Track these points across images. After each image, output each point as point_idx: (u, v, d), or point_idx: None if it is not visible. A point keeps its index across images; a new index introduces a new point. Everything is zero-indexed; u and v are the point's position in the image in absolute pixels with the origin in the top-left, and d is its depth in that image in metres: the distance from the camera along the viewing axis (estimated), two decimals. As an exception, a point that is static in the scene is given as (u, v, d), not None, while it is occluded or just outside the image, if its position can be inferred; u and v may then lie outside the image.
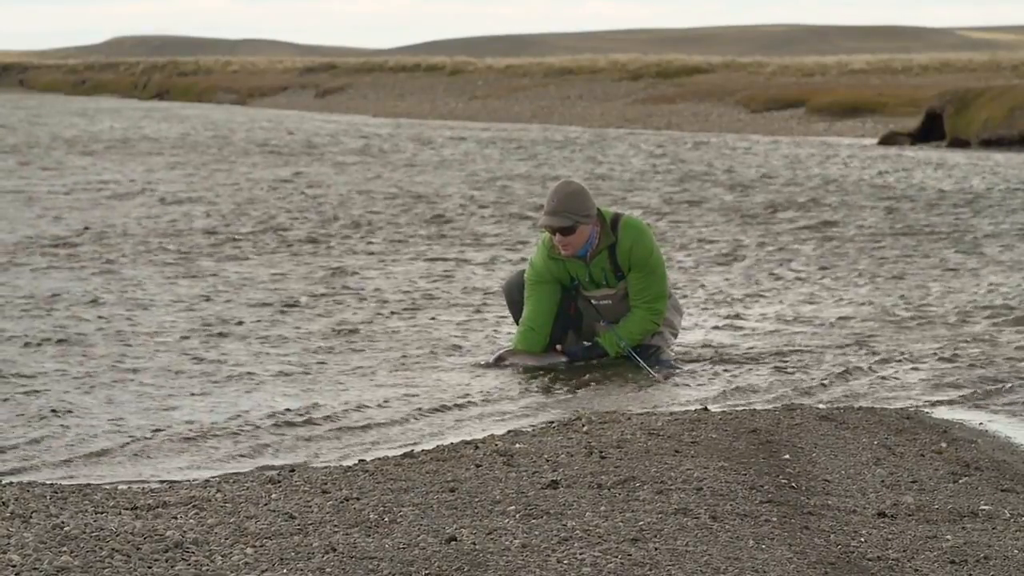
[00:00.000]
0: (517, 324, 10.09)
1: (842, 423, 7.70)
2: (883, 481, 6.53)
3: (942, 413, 8.45)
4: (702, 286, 13.63)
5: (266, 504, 5.99)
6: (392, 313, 11.94)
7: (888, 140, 41.62)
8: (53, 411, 8.22)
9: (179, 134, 44.45)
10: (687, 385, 9.29)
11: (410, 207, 21.39)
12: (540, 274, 9.80)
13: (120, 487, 6.54)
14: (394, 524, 5.63)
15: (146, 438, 7.65)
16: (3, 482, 6.54)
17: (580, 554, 5.21)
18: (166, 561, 5.15)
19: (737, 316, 11.93)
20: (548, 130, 49.59)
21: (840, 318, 11.84)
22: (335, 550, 5.27)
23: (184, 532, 5.51)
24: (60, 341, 10.39)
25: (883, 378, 9.51)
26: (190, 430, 7.84)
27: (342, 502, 5.98)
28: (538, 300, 9.78)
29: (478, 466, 6.61)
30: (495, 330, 11.16)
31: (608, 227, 9.73)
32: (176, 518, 5.76)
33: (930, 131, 40.69)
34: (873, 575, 5.18)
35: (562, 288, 9.85)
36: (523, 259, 15.05)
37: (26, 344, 10.26)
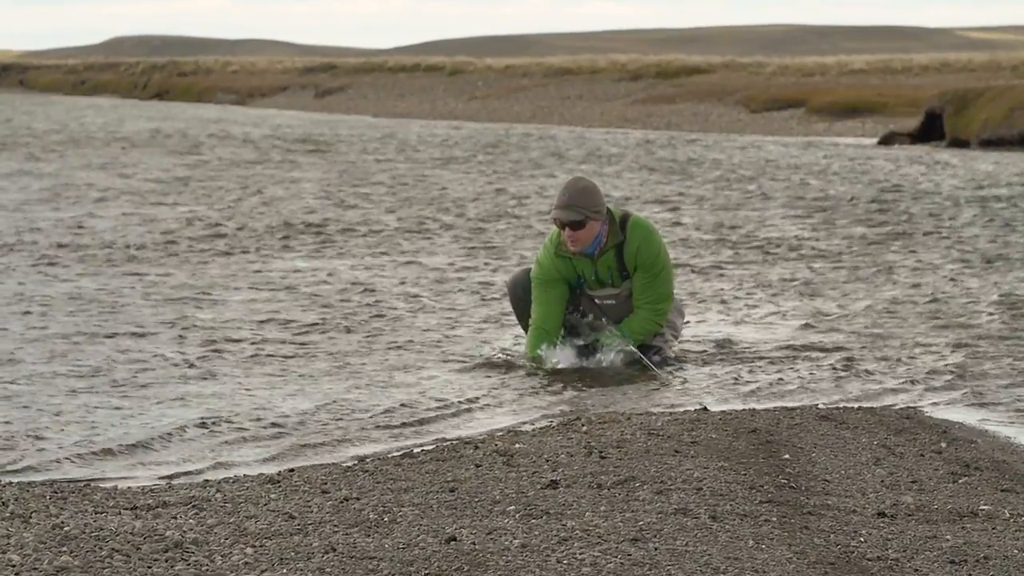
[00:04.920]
0: (521, 322, 10.05)
1: (842, 423, 7.70)
2: (883, 481, 6.53)
3: (942, 413, 8.45)
4: (702, 286, 13.64)
5: (266, 504, 5.99)
6: (392, 313, 11.93)
7: (888, 140, 41.62)
8: (52, 411, 8.22)
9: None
10: (687, 385, 9.29)
11: (415, 207, 21.40)
12: (547, 272, 9.75)
13: (120, 487, 6.54)
14: (394, 524, 5.63)
15: (146, 438, 7.65)
16: (3, 482, 6.54)
17: (580, 554, 5.21)
18: (166, 561, 5.14)
19: (737, 316, 11.94)
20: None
21: (840, 318, 11.84)
22: (335, 550, 5.27)
23: (184, 532, 5.51)
24: (61, 341, 10.39)
25: (883, 378, 9.51)
26: (190, 430, 7.84)
27: (342, 502, 5.98)
28: (547, 300, 9.73)
29: (478, 466, 6.61)
30: (499, 330, 11.15)
31: (617, 226, 9.71)
32: (176, 518, 5.75)
33: (930, 131, 40.69)
34: (873, 575, 5.18)
35: (569, 288, 9.81)
36: (521, 255, 15.06)
37: (25, 345, 10.26)
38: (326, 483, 6.36)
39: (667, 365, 9.71)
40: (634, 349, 9.69)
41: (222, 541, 5.40)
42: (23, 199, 21.77)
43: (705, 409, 8.27)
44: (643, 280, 9.73)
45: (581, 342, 9.80)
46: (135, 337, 10.62)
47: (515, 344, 10.28)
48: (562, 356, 9.66)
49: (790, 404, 8.59)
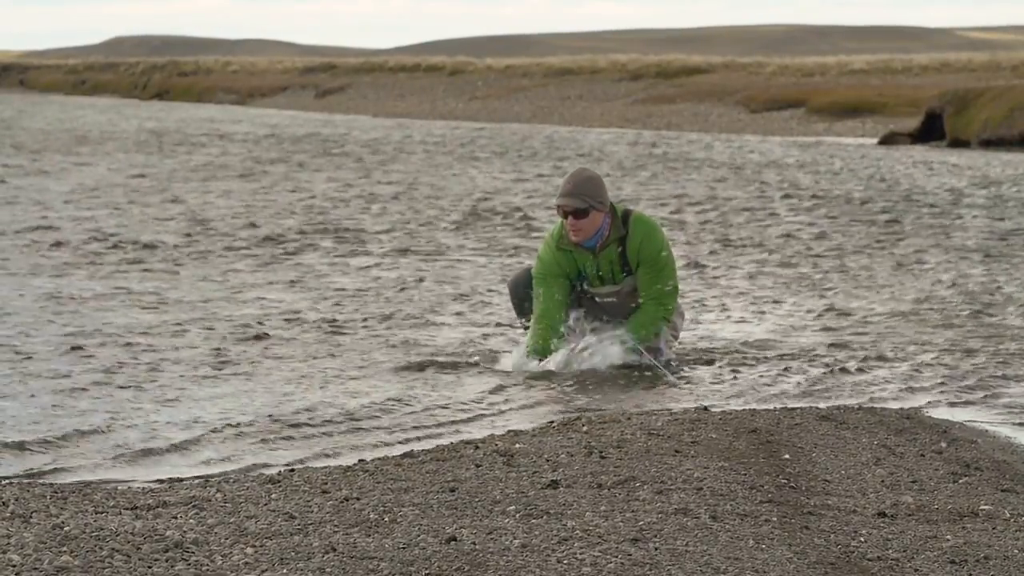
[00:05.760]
0: (521, 320, 10.02)
1: (842, 423, 7.70)
2: (883, 481, 6.53)
3: (942, 413, 8.45)
4: (703, 286, 13.64)
5: (266, 504, 5.98)
6: (394, 313, 11.94)
7: (888, 140, 41.64)
8: (52, 412, 8.22)
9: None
10: (687, 385, 9.29)
11: (422, 205, 21.40)
12: (548, 266, 9.72)
13: (120, 487, 6.54)
14: (394, 524, 5.63)
15: (146, 438, 7.65)
16: (3, 482, 6.54)
17: (580, 554, 5.21)
18: (166, 561, 5.14)
19: (738, 316, 11.93)
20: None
21: (841, 317, 11.84)
22: (335, 550, 5.27)
23: (184, 532, 5.50)
24: (62, 340, 10.39)
25: (884, 378, 9.51)
26: (190, 430, 7.84)
27: (342, 502, 5.98)
28: (549, 296, 9.67)
29: (478, 466, 6.61)
30: (499, 329, 11.15)
31: (619, 220, 9.69)
32: (176, 518, 5.75)
33: (930, 131, 40.71)
34: (873, 575, 5.18)
35: (570, 284, 9.77)
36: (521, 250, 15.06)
37: (25, 344, 10.26)
38: (326, 483, 6.36)
39: (667, 365, 9.69)
40: (638, 348, 9.67)
41: (222, 541, 5.40)
42: (39, 199, 21.78)
43: (705, 409, 8.26)
44: (648, 275, 9.70)
45: (580, 342, 9.77)
46: (146, 337, 10.62)
47: (515, 342, 10.26)
48: (562, 356, 9.63)
49: (790, 404, 8.59)
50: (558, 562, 5.13)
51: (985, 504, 6.17)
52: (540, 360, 9.62)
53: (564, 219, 9.63)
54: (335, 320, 11.52)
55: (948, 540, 5.59)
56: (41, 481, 6.67)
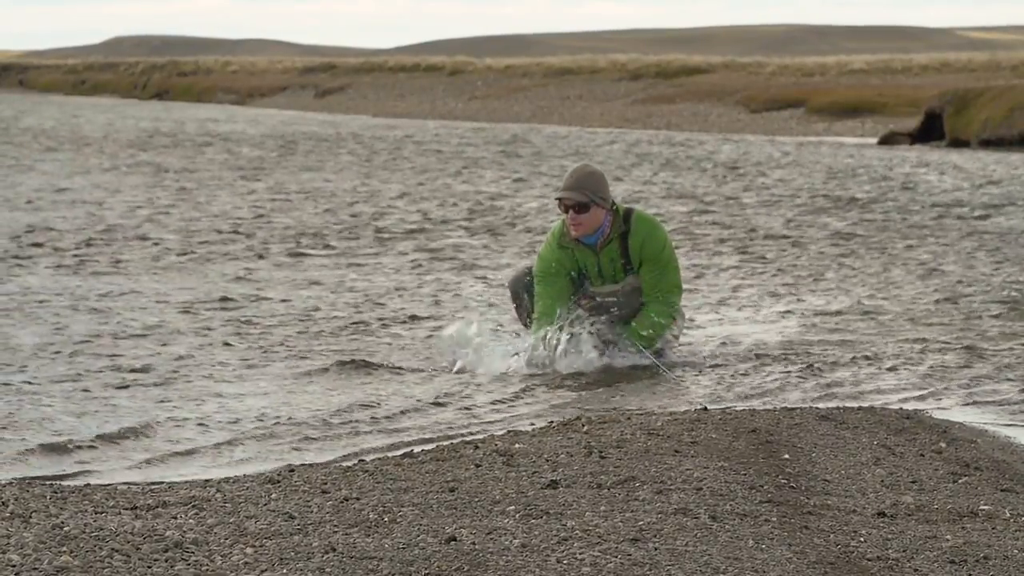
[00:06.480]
0: (521, 320, 10.02)
1: (842, 423, 7.70)
2: (883, 481, 6.52)
3: (942, 413, 8.45)
4: (703, 286, 13.64)
5: (266, 504, 5.98)
6: (396, 313, 11.94)
7: (888, 140, 41.66)
8: (51, 412, 8.22)
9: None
10: (687, 385, 9.29)
11: (427, 205, 21.41)
12: (549, 264, 9.69)
13: (120, 487, 6.53)
14: (394, 524, 5.62)
15: (145, 438, 7.65)
16: (3, 482, 6.53)
17: (580, 554, 5.21)
18: (166, 561, 5.14)
19: (738, 316, 11.93)
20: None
21: (840, 317, 11.84)
22: (335, 550, 5.27)
23: (184, 532, 5.50)
24: (58, 340, 10.40)
25: (883, 378, 9.51)
26: (189, 430, 7.84)
27: (342, 502, 5.98)
28: (549, 294, 9.65)
29: (478, 466, 6.60)
30: (498, 328, 11.14)
31: (620, 218, 9.68)
32: (176, 518, 5.75)
33: (930, 131, 40.73)
34: (873, 575, 5.17)
35: (571, 283, 9.74)
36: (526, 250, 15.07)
37: (23, 345, 10.27)
38: (326, 483, 6.35)
39: (668, 365, 9.69)
40: (640, 348, 9.66)
41: (222, 541, 5.40)
42: (51, 199, 21.79)
43: (705, 409, 8.26)
44: (651, 274, 9.68)
45: (580, 342, 9.75)
46: (131, 338, 10.62)
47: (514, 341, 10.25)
48: (560, 358, 9.63)
49: (790, 404, 8.59)
50: (558, 562, 5.13)
51: (985, 504, 6.17)
52: (540, 349, 9.58)
53: (565, 213, 9.61)
54: (340, 320, 11.52)
55: (948, 540, 5.59)
56: (41, 481, 6.66)
